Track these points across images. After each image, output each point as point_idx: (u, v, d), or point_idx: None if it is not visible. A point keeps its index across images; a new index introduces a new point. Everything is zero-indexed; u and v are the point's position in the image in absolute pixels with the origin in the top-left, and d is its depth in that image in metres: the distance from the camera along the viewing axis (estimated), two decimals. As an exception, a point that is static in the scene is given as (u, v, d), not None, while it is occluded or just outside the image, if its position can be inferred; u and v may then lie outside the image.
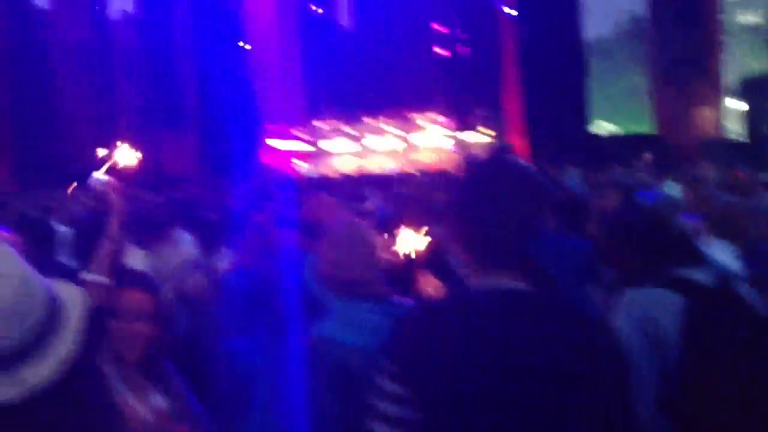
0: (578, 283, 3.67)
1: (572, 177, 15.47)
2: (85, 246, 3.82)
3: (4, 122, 31.34)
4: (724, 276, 2.71)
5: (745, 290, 2.77)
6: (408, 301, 2.65)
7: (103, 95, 35.33)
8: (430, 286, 3.05)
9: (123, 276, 2.58)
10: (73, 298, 1.59)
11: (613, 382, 1.70)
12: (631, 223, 3.00)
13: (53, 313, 1.52)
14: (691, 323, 2.45)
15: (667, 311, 2.49)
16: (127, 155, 3.91)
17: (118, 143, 4.00)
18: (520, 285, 1.76)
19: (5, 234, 3.55)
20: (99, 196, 3.83)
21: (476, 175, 1.84)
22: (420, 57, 29.92)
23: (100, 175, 3.67)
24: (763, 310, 2.71)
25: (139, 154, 3.94)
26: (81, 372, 1.53)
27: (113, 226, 3.50)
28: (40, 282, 1.54)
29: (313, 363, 2.51)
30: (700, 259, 2.76)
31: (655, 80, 24.53)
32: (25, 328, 1.46)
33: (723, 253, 4.11)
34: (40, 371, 1.45)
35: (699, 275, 2.62)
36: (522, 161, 1.96)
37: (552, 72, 22.96)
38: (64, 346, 1.50)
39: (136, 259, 4.50)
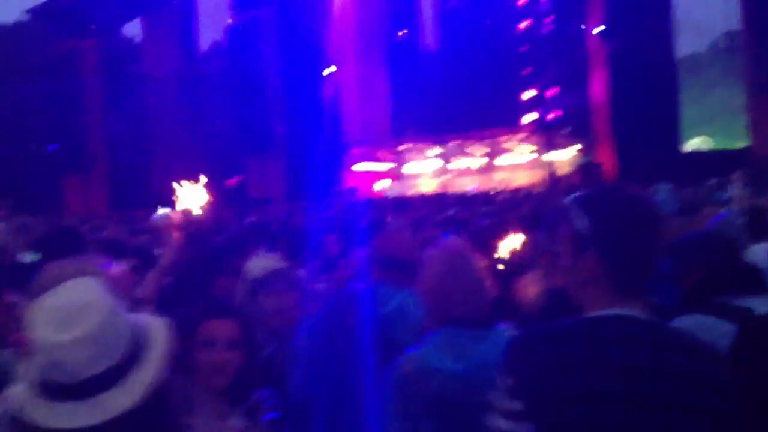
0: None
1: (663, 194, 15.05)
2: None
3: (101, 150, 32.78)
4: None
5: None
6: (510, 327, 2.61)
7: (193, 122, 36.63)
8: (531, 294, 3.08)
9: (209, 306, 2.57)
10: (156, 330, 1.71)
11: (725, 412, 1.69)
12: (697, 247, 2.96)
13: (137, 343, 1.64)
14: (737, 354, 2.42)
15: (718, 341, 2.40)
16: (192, 195, 3.92)
17: (182, 183, 4.01)
18: (643, 313, 1.77)
19: (115, 269, 3.69)
20: (159, 231, 3.93)
21: (614, 205, 1.82)
22: (506, 76, 29.79)
23: (162, 211, 3.70)
24: None
25: (205, 196, 3.89)
26: (162, 399, 1.65)
27: (166, 260, 3.59)
28: (125, 314, 1.67)
29: (407, 391, 2.46)
30: (763, 288, 2.69)
31: (750, 95, 23.81)
32: (110, 358, 1.58)
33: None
34: (123, 398, 1.56)
35: (757, 304, 2.58)
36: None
37: (643, 88, 22.54)
38: (146, 375, 1.61)
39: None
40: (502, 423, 1.74)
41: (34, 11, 37.32)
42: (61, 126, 33.27)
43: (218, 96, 36.90)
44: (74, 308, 1.60)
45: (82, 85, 32.50)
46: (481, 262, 2.68)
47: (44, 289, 1.85)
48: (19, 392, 1.65)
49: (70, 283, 1.70)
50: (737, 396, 1.73)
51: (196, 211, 3.71)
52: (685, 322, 2.58)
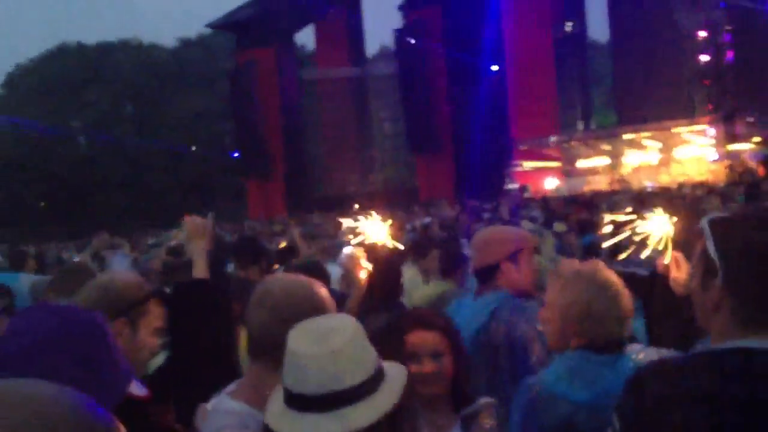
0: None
1: None
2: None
3: (279, 154, 34.30)
4: None
5: None
6: (636, 356, 2.46)
7: (364, 125, 37.80)
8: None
9: (410, 318, 2.64)
10: (396, 371, 1.79)
11: None
12: None
13: (380, 372, 1.73)
14: None
15: None
16: (376, 228, 3.72)
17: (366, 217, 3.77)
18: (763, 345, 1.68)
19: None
20: (346, 271, 3.89)
21: (746, 231, 1.73)
22: (681, 66, 28.62)
23: (348, 250, 3.67)
24: None
25: (388, 229, 3.70)
26: (396, 415, 1.73)
27: (354, 300, 3.61)
28: (369, 343, 1.77)
29: (533, 417, 2.39)
30: None
31: None
32: (362, 372, 1.68)
33: None
34: (363, 415, 1.65)
35: None
36: None
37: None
38: (387, 401, 1.69)
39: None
40: None
41: (214, 24, 39.79)
42: (242, 132, 35.19)
43: (386, 98, 37.85)
44: (327, 325, 1.75)
45: (261, 93, 34.22)
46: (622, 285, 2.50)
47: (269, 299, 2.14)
48: (272, 405, 1.75)
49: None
50: None
51: (383, 243, 3.66)
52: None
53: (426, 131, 30.55)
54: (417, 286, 5.68)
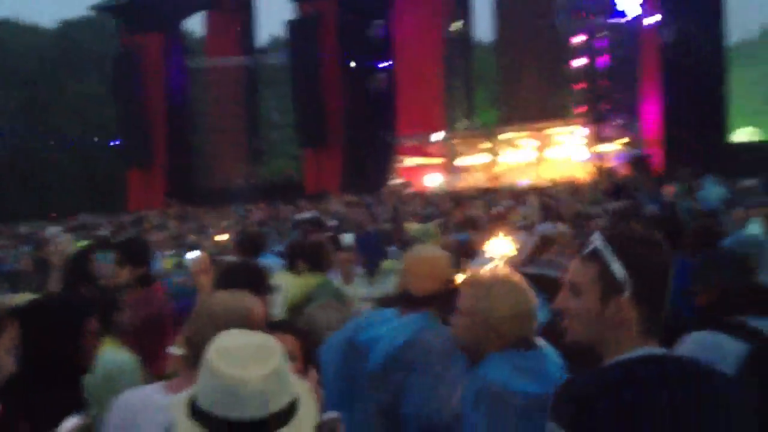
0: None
1: (710, 187, 15.31)
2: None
3: (162, 144, 33.51)
4: None
5: None
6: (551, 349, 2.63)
7: (252, 116, 37.38)
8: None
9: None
10: (302, 386, 1.82)
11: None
12: (714, 266, 3.00)
13: (296, 401, 1.72)
14: (748, 373, 2.47)
15: (723, 359, 2.48)
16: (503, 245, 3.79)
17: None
18: (666, 351, 1.88)
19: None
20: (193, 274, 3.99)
21: (647, 250, 1.90)
22: (559, 69, 29.90)
23: (195, 254, 3.81)
24: None
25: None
26: None
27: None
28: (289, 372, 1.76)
29: (495, 414, 2.45)
30: None
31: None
32: (286, 396, 1.68)
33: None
34: None
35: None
36: None
37: (691, 79, 22.44)
38: (310, 419, 1.73)
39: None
40: None
41: (99, 7, 38.47)
42: (125, 119, 34.28)
43: (276, 89, 37.60)
44: (252, 344, 1.69)
45: (146, 80, 33.46)
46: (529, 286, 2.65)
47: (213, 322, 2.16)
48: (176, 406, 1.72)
49: (240, 330, 1.82)
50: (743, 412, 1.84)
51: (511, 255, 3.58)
52: (699, 339, 2.63)
53: (316, 125, 30.54)
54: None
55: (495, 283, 2.63)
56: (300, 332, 2.63)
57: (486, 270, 2.78)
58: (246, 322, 2.19)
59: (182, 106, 34.80)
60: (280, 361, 1.68)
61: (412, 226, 6.72)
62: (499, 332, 2.54)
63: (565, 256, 4.90)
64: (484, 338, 2.57)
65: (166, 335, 4.23)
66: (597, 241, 1.91)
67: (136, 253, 5.02)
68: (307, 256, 5.55)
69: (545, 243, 5.13)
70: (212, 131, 37.45)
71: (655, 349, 1.86)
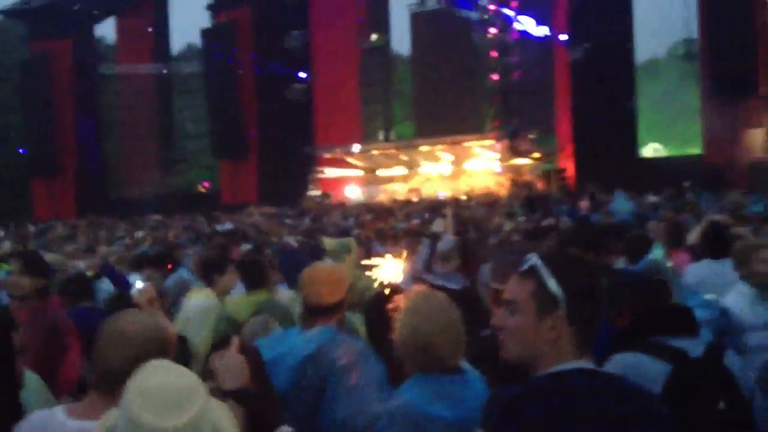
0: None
1: (621, 201, 15.74)
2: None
3: (70, 153, 32.36)
4: (714, 347, 2.75)
5: (732, 360, 2.72)
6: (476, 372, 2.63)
7: (165, 125, 36.61)
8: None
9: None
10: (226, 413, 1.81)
11: None
12: (630, 288, 3.03)
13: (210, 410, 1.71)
14: (670, 393, 2.52)
15: (650, 380, 2.49)
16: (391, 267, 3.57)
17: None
18: (592, 365, 1.92)
19: None
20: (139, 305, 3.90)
21: (580, 270, 1.97)
22: (474, 84, 30.43)
23: (140, 284, 3.74)
24: (744, 383, 2.67)
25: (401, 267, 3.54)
26: None
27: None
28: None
29: None
30: (694, 329, 2.79)
31: (705, 102, 24.44)
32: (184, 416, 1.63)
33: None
34: None
35: (688, 344, 2.67)
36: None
37: (601, 96, 23.13)
38: None
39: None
40: None
41: (6, 12, 37.10)
42: (31, 127, 33.13)
43: (191, 98, 36.97)
44: (178, 390, 1.65)
45: (55, 86, 32.43)
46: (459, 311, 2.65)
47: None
48: None
49: (162, 363, 1.76)
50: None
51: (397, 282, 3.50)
52: (622, 361, 2.64)
53: (231, 135, 30.20)
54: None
55: (428, 304, 2.62)
56: (248, 350, 2.53)
57: (419, 290, 2.77)
58: (159, 344, 2.13)
59: (92, 114, 33.80)
60: (201, 406, 1.64)
61: (328, 241, 6.59)
62: (429, 354, 2.53)
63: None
64: (414, 359, 2.57)
65: (64, 350, 4.06)
66: (533, 259, 1.95)
67: (34, 265, 4.80)
68: (248, 272, 5.16)
69: (444, 257, 5.13)
70: (124, 140, 36.51)
71: (587, 364, 1.89)
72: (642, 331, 2.78)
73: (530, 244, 6.04)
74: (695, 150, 26.13)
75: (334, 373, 2.94)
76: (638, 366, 2.60)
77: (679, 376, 2.57)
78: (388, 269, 3.50)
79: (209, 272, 5.37)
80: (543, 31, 27.09)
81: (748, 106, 22.86)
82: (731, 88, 22.24)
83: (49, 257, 6.17)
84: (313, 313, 3.17)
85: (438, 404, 2.45)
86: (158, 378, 1.66)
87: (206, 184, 37.20)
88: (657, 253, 6.70)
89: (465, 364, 2.62)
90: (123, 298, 3.73)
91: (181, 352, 3.43)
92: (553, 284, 1.90)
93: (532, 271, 1.94)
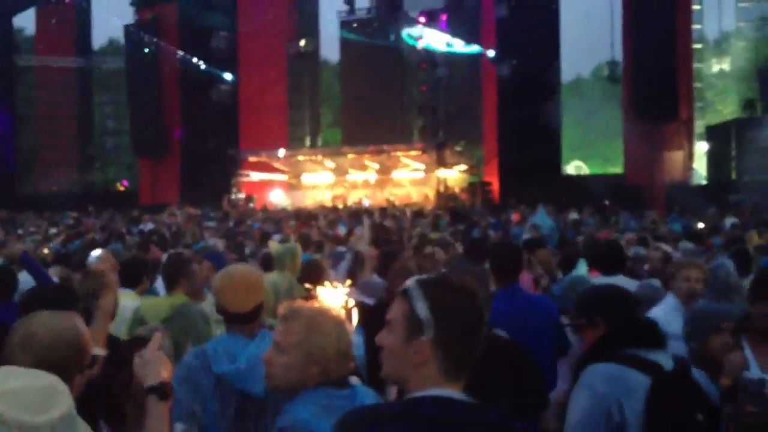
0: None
1: (543, 217, 15.90)
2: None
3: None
4: (683, 361, 2.79)
5: (698, 375, 2.78)
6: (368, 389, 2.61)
7: (84, 120, 35.52)
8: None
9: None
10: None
11: None
12: (602, 300, 3.04)
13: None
14: (654, 405, 2.54)
15: (632, 391, 2.57)
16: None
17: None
18: (462, 393, 1.87)
19: None
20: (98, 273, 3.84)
21: (452, 294, 1.92)
22: (402, 94, 30.50)
23: (97, 252, 3.56)
24: (712, 394, 2.73)
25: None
26: None
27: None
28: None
29: None
30: (662, 343, 2.81)
31: (627, 122, 25.12)
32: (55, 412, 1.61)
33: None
34: None
35: (659, 357, 2.70)
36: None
37: (529, 112, 23.45)
38: None
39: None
40: None
41: None
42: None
43: (112, 94, 36.01)
44: (39, 390, 1.64)
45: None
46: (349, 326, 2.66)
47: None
48: None
49: (15, 368, 1.74)
50: None
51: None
52: (605, 371, 2.67)
53: (153, 134, 29.47)
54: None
55: (321, 317, 2.57)
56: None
57: (306, 303, 2.69)
58: (73, 349, 2.10)
59: (6, 106, 32.40)
60: (69, 404, 1.63)
61: (274, 246, 6.42)
62: (323, 369, 2.48)
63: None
64: (303, 374, 2.50)
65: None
66: (411, 281, 1.94)
67: None
68: (170, 273, 4.96)
69: (359, 261, 5.23)
70: (41, 134, 35.19)
71: (448, 392, 1.85)
72: (617, 343, 2.78)
73: (469, 263, 5.92)
74: (616, 169, 26.81)
75: None
76: (622, 378, 2.64)
77: (659, 388, 2.58)
78: (333, 296, 3.48)
79: (132, 274, 5.22)
80: (472, 47, 27.37)
81: (668, 128, 23.57)
82: (652, 111, 22.93)
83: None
84: (231, 320, 3.10)
85: (324, 419, 2.35)
86: (17, 381, 1.63)
87: (125, 183, 36.18)
88: (581, 268, 6.82)
89: (353, 379, 2.58)
90: (40, 295, 3.45)
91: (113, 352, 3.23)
92: (421, 308, 1.88)
93: (406, 294, 1.93)
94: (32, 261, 6.06)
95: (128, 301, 4.88)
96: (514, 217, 16.59)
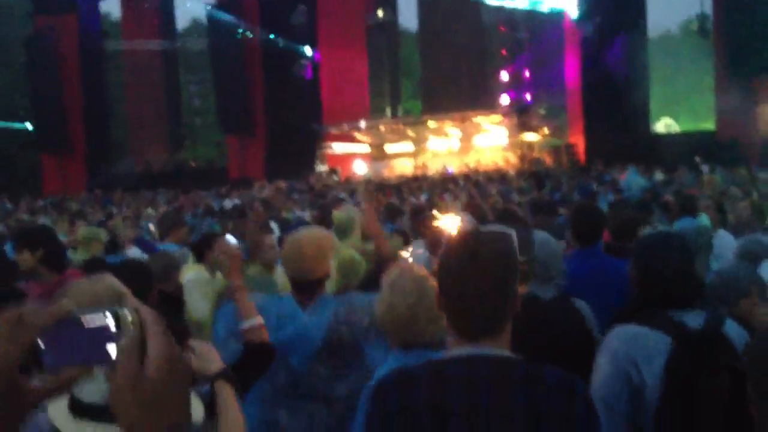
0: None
1: (633, 177, 15.56)
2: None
3: (80, 128, 32.17)
4: (715, 318, 2.61)
5: (731, 329, 2.60)
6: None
7: (172, 101, 36.42)
8: None
9: None
10: None
11: None
12: (653, 263, 2.72)
13: None
14: (673, 366, 2.44)
15: (651, 353, 2.46)
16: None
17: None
18: (493, 349, 1.83)
19: None
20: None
21: (457, 249, 1.91)
22: (483, 59, 30.11)
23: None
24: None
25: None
26: None
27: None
28: None
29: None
30: (701, 302, 2.67)
31: (718, 78, 24.26)
32: None
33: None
34: None
35: (691, 318, 2.56)
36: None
37: (613, 70, 22.87)
38: None
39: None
40: None
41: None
42: (38, 103, 32.97)
43: (198, 74, 36.79)
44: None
45: (60, 63, 32.20)
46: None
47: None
48: (56, 408, 1.75)
49: None
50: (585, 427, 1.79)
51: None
52: (623, 333, 2.58)
53: (238, 111, 30.02)
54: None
55: (401, 277, 2.62)
56: None
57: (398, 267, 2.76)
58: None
59: (99, 90, 33.57)
60: None
61: (337, 214, 6.45)
62: (403, 327, 2.52)
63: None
64: (390, 332, 2.58)
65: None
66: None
67: (29, 237, 4.46)
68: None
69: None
70: (131, 116, 36.36)
71: (468, 349, 1.84)
72: (647, 303, 2.66)
73: (537, 219, 5.93)
74: (708, 125, 25.94)
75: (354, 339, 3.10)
76: (641, 338, 2.52)
77: (679, 350, 2.45)
78: (451, 222, 3.64)
79: (199, 248, 5.32)
80: (553, 5, 26.72)
81: (763, 82, 22.60)
82: (746, 64, 22.03)
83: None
84: (297, 289, 3.20)
85: None
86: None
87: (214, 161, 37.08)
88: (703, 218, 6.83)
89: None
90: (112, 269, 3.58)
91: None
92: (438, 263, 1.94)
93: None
94: (144, 240, 6.33)
95: (193, 273, 5.08)
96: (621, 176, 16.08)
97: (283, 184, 21.02)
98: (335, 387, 3.09)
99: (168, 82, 35.69)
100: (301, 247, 3.19)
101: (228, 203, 15.82)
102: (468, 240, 1.90)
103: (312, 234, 3.39)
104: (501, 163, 25.31)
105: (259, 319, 2.74)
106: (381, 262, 3.63)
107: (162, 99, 35.30)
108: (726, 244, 6.32)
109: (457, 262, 1.85)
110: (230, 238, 3.13)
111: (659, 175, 16.44)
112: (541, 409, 1.74)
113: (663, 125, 31.17)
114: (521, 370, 1.80)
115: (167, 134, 35.42)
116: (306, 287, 3.15)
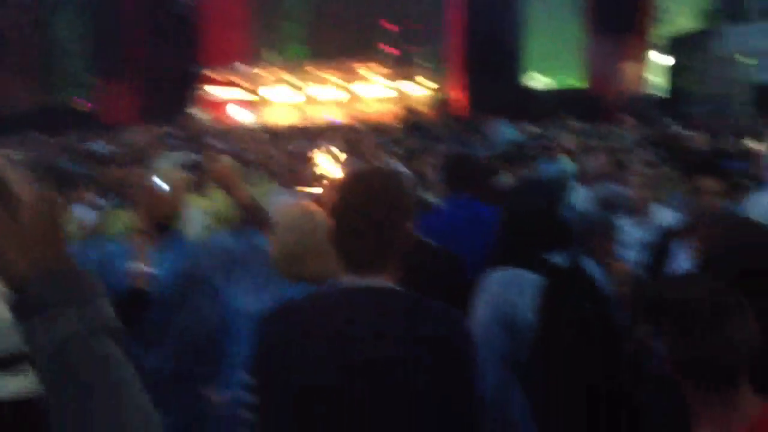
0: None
1: (504, 129, 15.91)
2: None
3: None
4: (573, 257, 2.82)
5: (590, 266, 2.91)
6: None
7: (42, 41, 34.50)
8: None
9: None
10: None
11: (462, 376, 1.84)
12: (523, 209, 2.91)
13: None
14: (545, 300, 2.60)
15: (526, 292, 2.61)
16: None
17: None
18: (384, 282, 1.87)
19: None
20: None
21: (352, 183, 1.97)
22: (362, 8, 29.88)
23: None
24: (605, 287, 2.89)
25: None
26: None
27: None
28: None
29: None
30: (569, 243, 2.83)
31: (588, 33, 24.99)
32: None
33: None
34: None
35: (558, 258, 2.73)
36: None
37: (491, 24, 23.21)
38: None
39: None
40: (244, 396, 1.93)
41: None
42: None
43: (68, 12, 34.77)
44: None
45: None
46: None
47: None
48: None
49: None
50: (474, 362, 1.87)
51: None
52: (497, 277, 2.73)
53: (112, 53, 28.76)
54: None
55: (292, 214, 2.72)
56: None
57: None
58: None
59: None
60: None
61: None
62: (293, 264, 2.65)
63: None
64: (281, 269, 2.72)
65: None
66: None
67: None
68: None
69: None
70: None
71: (350, 281, 1.89)
72: (529, 249, 2.77)
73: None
74: (575, 81, 26.81)
75: None
76: (512, 282, 2.68)
77: (549, 285, 2.63)
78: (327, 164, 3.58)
79: None
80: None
81: (627, 39, 23.47)
82: (611, 22, 22.82)
83: None
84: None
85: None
86: None
87: (88, 105, 35.38)
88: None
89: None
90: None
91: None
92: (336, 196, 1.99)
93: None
94: None
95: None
96: None
97: (156, 129, 20.36)
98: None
99: (37, 20, 33.61)
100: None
101: (98, 147, 15.21)
102: (365, 175, 1.99)
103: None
104: (382, 115, 25.37)
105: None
106: (245, 210, 3.60)
107: (29, 37, 33.25)
108: (580, 195, 6.58)
109: (353, 196, 1.91)
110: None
111: (531, 129, 16.91)
112: (420, 334, 1.80)
113: (537, 79, 31.93)
114: (403, 299, 1.87)
115: (37, 77, 33.47)
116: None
